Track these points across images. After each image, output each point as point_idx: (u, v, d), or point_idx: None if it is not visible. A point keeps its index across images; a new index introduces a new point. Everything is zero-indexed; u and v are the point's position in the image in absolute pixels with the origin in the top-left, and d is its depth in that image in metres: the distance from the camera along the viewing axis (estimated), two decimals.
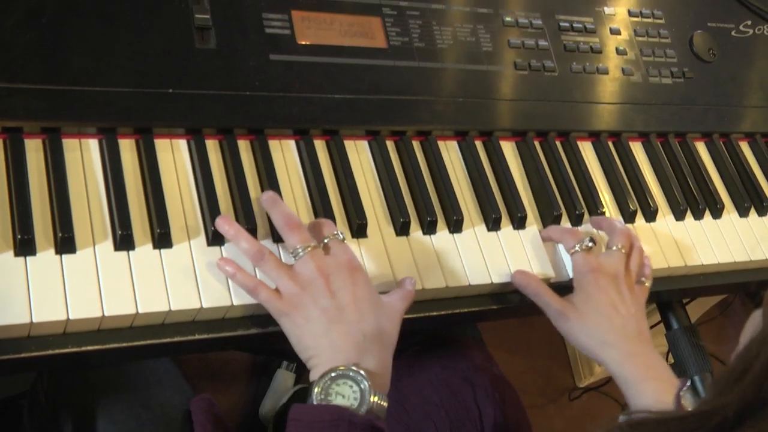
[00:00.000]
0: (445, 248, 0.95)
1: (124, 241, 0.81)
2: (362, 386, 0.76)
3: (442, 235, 0.96)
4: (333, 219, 0.90)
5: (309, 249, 0.82)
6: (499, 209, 1.00)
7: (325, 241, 0.84)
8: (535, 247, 1.00)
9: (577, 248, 0.97)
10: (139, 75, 0.88)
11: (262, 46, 0.96)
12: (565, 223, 1.04)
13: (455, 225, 0.97)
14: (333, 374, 0.76)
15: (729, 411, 0.44)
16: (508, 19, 1.13)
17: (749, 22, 1.34)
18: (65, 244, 0.78)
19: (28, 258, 0.77)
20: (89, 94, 0.85)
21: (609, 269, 0.95)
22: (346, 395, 0.76)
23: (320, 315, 0.79)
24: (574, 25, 1.17)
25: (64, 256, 0.78)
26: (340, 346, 0.79)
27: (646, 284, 0.99)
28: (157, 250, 0.82)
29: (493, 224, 0.99)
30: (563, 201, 1.05)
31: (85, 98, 0.85)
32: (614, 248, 0.97)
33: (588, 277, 0.95)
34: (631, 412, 0.91)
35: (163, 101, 0.89)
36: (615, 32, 1.20)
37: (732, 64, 1.28)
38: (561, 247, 1.01)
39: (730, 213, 1.16)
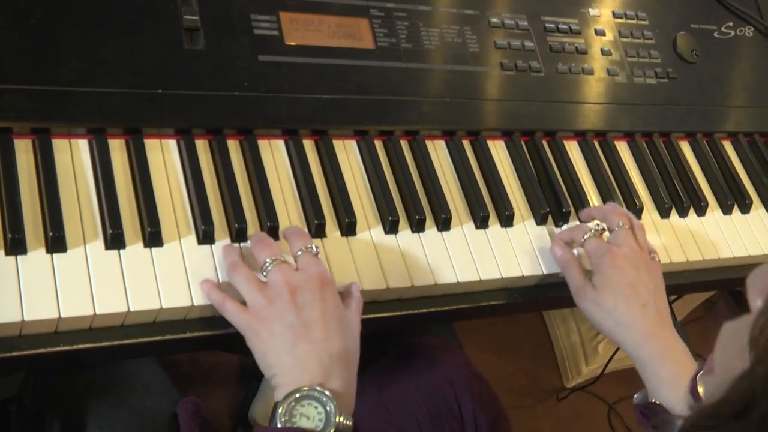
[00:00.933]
0: (434, 246, 0.96)
1: (114, 240, 0.81)
2: (328, 408, 0.74)
3: (431, 233, 0.97)
4: (322, 217, 0.91)
5: (277, 262, 0.81)
6: (486, 207, 1.01)
7: (298, 254, 0.83)
8: (523, 244, 1.01)
9: (589, 234, 0.98)
10: (128, 76, 0.89)
11: (250, 47, 0.97)
12: (552, 223, 1.05)
13: (444, 223, 0.98)
14: (297, 395, 0.75)
15: None
16: (494, 20, 1.14)
17: (731, 24, 1.36)
18: (56, 243, 0.79)
19: (19, 257, 0.77)
20: (79, 94, 0.86)
21: (623, 248, 0.96)
22: (310, 417, 0.74)
23: (285, 331, 0.78)
24: (560, 26, 1.18)
25: (55, 255, 0.79)
26: (306, 366, 0.77)
27: (657, 259, 1.00)
28: (147, 249, 0.83)
29: (481, 222, 1.00)
30: (550, 199, 1.06)
31: (74, 99, 0.86)
32: (617, 228, 0.98)
33: (605, 259, 0.95)
34: (644, 393, 0.92)
35: (152, 102, 0.89)
36: (600, 33, 1.21)
37: (714, 65, 1.30)
38: (544, 245, 1.02)
39: (714, 211, 1.18)
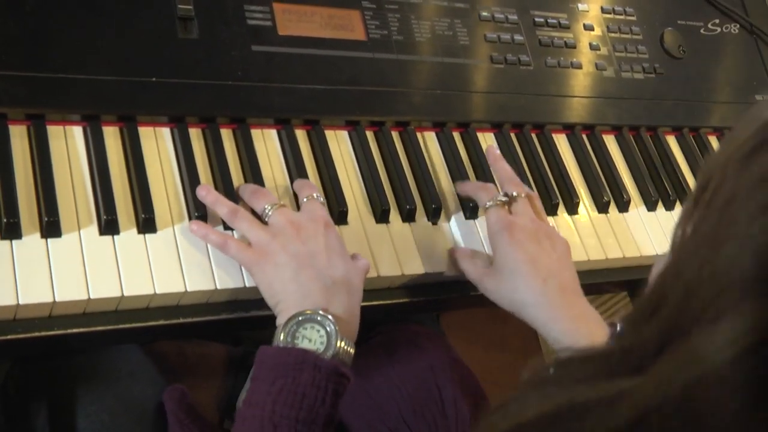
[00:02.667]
0: (424, 235, 0.97)
1: (109, 226, 0.82)
2: (328, 329, 0.76)
3: (421, 223, 0.98)
4: None
5: (277, 206, 0.83)
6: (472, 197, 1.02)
7: (304, 199, 0.86)
8: None
9: (490, 203, 0.94)
10: (122, 63, 0.89)
11: (244, 37, 0.97)
12: None
13: (434, 213, 0.99)
14: (300, 318, 0.77)
15: (649, 343, 0.44)
16: (484, 14, 1.15)
17: (717, 21, 1.38)
18: (51, 228, 0.79)
19: (14, 241, 0.78)
20: (73, 81, 0.86)
21: (523, 221, 0.92)
22: (312, 339, 0.76)
23: (290, 260, 0.80)
24: (549, 20, 1.20)
25: (49, 240, 0.79)
26: (308, 291, 0.79)
27: (552, 225, 0.98)
28: (141, 235, 0.83)
29: (470, 212, 1.01)
30: (539, 191, 1.07)
31: (69, 86, 0.86)
32: (515, 197, 0.95)
33: (502, 235, 0.91)
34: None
35: (146, 90, 0.90)
36: (588, 28, 1.23)
37: (701, 61, 1.32)
38: None
39: None
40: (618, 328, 0.87)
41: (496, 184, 1.03)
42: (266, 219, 0.84)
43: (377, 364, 1.07)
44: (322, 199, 0.88)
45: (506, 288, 0.90)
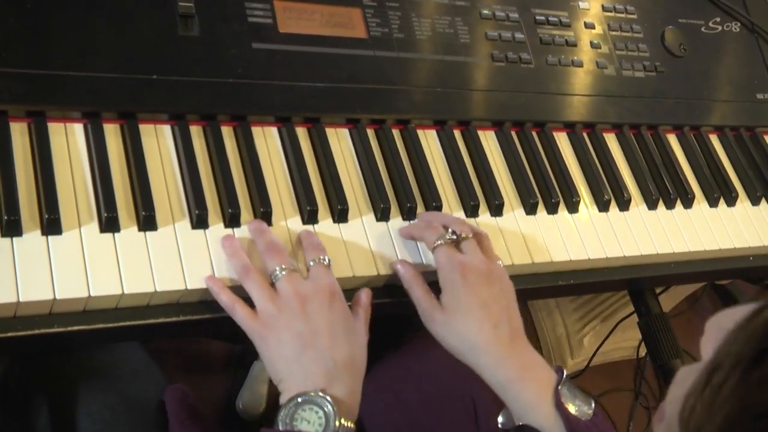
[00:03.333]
0: None
1: (109, 223, 0.82)
2: (326, 410, 0.75)
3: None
4: (315, 204, 0.92)
5: (286, 271, 0.82)
6: (477, 196, 1.02)
7: (310, 263, 0.85)
8: (512, 233, 1.02)
9: (440, 242, 0.91)
10: (123, 61, 0.89)
11: (244, 34, 0.97)
12: (541, 211, 1.07)
13: (435, 211, 0.99)
14: (299, 399, 0.76)
15: None
16: (485, 12, 1.15)
17: (718, 19, 1.37)
18: (51, 225, 0.79)
19: (14, 239, 0.78)
20: (74, 79, 0.86)
21: (474, 262, 0.90)
22: (311, 421, 0.75)
23: (293, 339, 0.79)
24: (550, 18, 1.19)
25: (50, 237, 0.79)
26: (310, 372, 0.78)
27: (501, 264, 0.95)
28: (142, 233, 0.83)
29: (471, 211, 1.01)
30: (539, 189, 1.07)
31: (70, 83, 0.86)
32: (462, 235, 0.92)
33: (455, 275, 0.89)
34: (509, 415, 0.89)
35: (147, 87, 0.90)
36: (589, 26, 1.22)
37: (702, 60, 1.32)
38: (533, 235, 1.03)
39: (700, 203, 1.19)
40: (564, 374, 0.88)
41: (497, 189, 1.03)
42: (275, 281, 0.82)
43: (408, 374, 1.07)
44: (327, 262, 0.86)
45: (457, 327, 0.88)
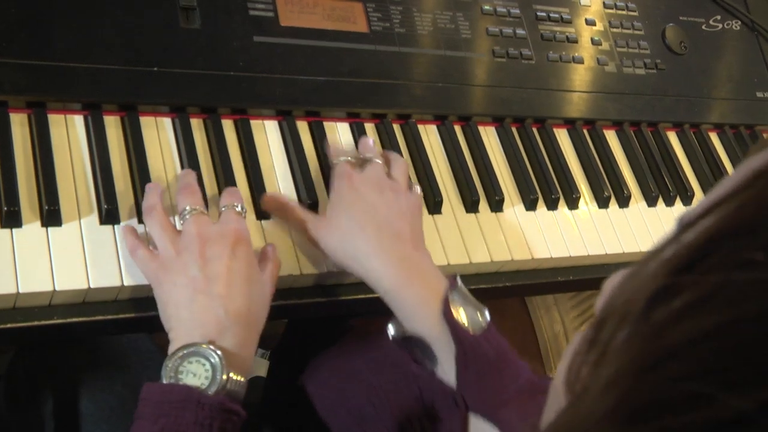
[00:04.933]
0: (426, 229, 0.97)
1: (109, 215, 0.82)
2: (213, 361, 0.71)
3: (423, 216, 0.98)
4: (315, 197, 0.91)
5: (195, 212, 0.79)
6: (477, 192, 1.02)
7: (222, 209, 0.82)
8: (512, 229, 1.02)
9: (342, 158, 0.90)
10: (124, 53, 0.89)
11: (246, 27, 0.97)
12: (541, 207, 1.06)
13: (435, 206, 0.99)
14: (185, 351, 0.72)
15: None
16: (486, 7, 1.15)
17: (719, 17, 1.37)
18: (51, 216, 0.79)
19: (14, 230, 0.78)
20: (75, 70, 0.86)
21: (368, 173, 0.88)
22: (197, 374, 0.71)
23: (187, 283, 0.75)
24: (551, 15, 1.19)
25: (49, 228, 0.79)
26: (200, 321, 0.74)
27: (418, 191, 0.92)
28: (142, 225, 0.83)
29: (471, 206, 1.01)
30: (539, 185, 1.07)
31: (70, 74, 0.86)
32: (369, 157, 0.91)
33: (341, 180, 0.87)
34: (399, 325, 0.83)
35: (148, 79, 0.89)
36: (590, 23, 1.22)
37: (702, 57, 1.32)
38: (533, 230, 1.03)
39: (700, 200, 1.19)
40: (458, 281, 0.81)
41: (498, 184, 1.03)
42: (181, 221, 0.80)
43: (352, 364, 1.03)
44: (239, 208, 0.82)
45: (341, 236, 0.84)
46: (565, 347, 2.00)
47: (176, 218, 0.83)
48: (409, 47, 1.07)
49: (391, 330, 0.84)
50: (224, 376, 0.71)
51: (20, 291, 0.75)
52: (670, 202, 1.16)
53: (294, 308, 0.89)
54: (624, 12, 1.27)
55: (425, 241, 0.91)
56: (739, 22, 1.39)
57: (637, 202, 1.14)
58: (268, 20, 0.99)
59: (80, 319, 0.79)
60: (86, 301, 0.79)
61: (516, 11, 1.17)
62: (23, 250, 0.77)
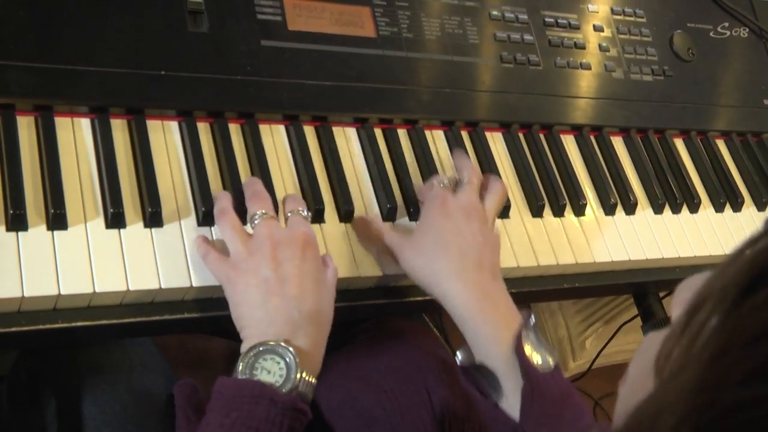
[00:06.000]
0: None
1: (115, 219, 0.82)
2: (288, 360, 0.73)
3: None
4: (321, 203, 0.91)
5: (266, 217, 0.82)
6: None
7: (288, 214, 0.84)
8: (518, 235, 1.02)
9: (434, 183, 0.93)
10: (131, 56, 0.89)
11: (253, 31, 0.97)
12: (548, 213, 1.06)
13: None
14: (261, 348, 0.74)
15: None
16: (494, 13, 1.14)
17: (726, 24, 1.37)
18: (57, 220, 0.79)
19: (20, 233, 0.78)
20: (82, 73, 0.86)
21: (460, 198, 0.90)
22: (271, 371, 0.73)
23: (260, 284, 0.77)
24: (559, 21, 1.19)
25: (55, 232, 0.79)
26: (274, 320, 0.76)
27: (497, 232, 0.94)
28: (148, 229, 0.83)
29: None
30: (546, 192, 1.07)
31: (78, 77, 0.86)
32: (465, 181, 0.93)
33: (434, 204, 0.89)
34: (468, 352, 0.86)
35: (155, 83, 0.89)
36: (598, 29, 1.22)
37: (710, 64, 1.31)
38: (539, 238, 1.02)
39: (706, 208, 1.19)
40: (531, 319, 0.84)
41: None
42: (252, 225, 0.82)
43: (362, 366, 1.05)
44: (305, 213, 0.85)
45: (425, 257, 0.87)
46: (569, 352, 1.99)
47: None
48: (416, 52, 1.06)
49: (459, 356, 0.87)
50: (298, 375, 0.73)
51: (25, 295, 0.75)
52: (676, 210, 1.16)
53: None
54: (632, 18, 1.27)
55: None
56: (747, 30, 1.38)
57: (644, 209, 1.14)
58: (275, 24, 0.98)
59: (84, 323, 0.79)
60: (91, 306, 0.79)
61: (524, 17, 1.17)
62: (28, 254, 0.77)
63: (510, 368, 0.82)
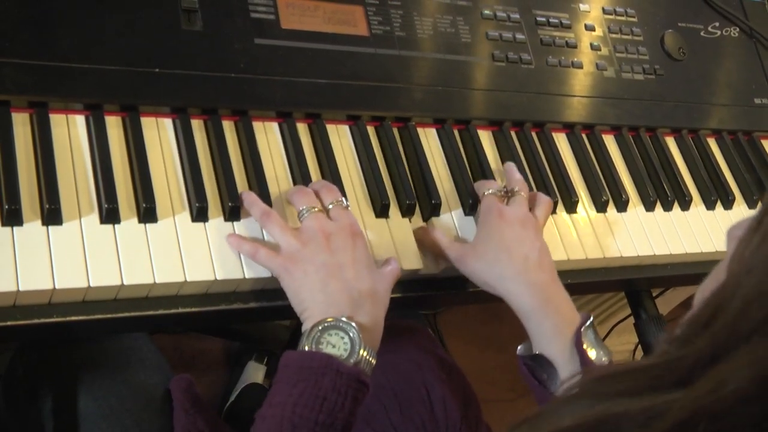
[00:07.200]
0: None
1: (110, 215, 0.82)
2: (352, 335, 0.78)
3: (420, 219, 0.99)
4: None
5: (314, 210, 0.85)
6: (476, 194, 1.02)
7: (329, 206, 0.87)
8: None
9: (490, 191, 0.98)
10: (126, 54, 0.90)
11: (247, 29, 0.98)
12: None
13: (433, 209, 0.99)
14: (325, 324, 0.78)
15: (702, 354, 0.46)
16: (486, 12, 1.15)
17: (717, 24, 1.38)
18: (52, 215, 0.80)
19: (15, 228, 0.78)
20: (77, 70, 0.87)
21: (514, 209, 0.96)
22: (336, 345, 0.78)
23: (318, 269, 0.82)
24: (551, 20, 1.20)
25: (50, 227, 0.80)
26: (335, 300, 0.81)
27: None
28: (142, 225, 0.84)
29: (470, 209, 1.01)
30: (538, 189, 1.08)
31: (72, 74, 0.87)
32: (516, 190, 0.99)
33: (491, 213, 0.95)
34: (527, 344, 0.93)
35: (149, 80, 0.90)
36: (590, 28, 1.23)
37: (701, 64, 1.32)
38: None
39: (697, 205, 1.20)
40: (590, 319, 0.91)
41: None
42: (301, 220, 0.86)
43: None
44: (346, 203, 0.89)
45: (489, 259, 0.92)
46: None
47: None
48: (409, 51, 1.07)
49: (520, 349, 0.94)
50: (362, 350, 0.78)
51: (20, 289, 0.75)
52: (668, 207, 1.17)
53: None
54: (623, 18, 1.28)
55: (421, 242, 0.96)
56: (738, 29, 1.39)
57: (635, 206, 1.15)
58: (269, 23, 0.99)
59: (79, 317, 0.80)
60: (86, 300, 0.80)
61: (516, 16, 1.18)
62: (24, 249, 0.77)
63: (568, 360, 0.88)
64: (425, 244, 0.97)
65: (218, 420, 0.95)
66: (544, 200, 1.01)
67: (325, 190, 0.89)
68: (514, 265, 0.92)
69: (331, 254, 0.83)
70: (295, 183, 0.94)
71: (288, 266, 0.82)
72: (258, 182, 0.91)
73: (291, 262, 0.83)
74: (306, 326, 0.80)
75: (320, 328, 0.78)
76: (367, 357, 0.79)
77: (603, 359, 0.89)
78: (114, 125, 0.88)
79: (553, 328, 0.90)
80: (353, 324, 0.78)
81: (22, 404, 0.98)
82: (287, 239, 0.84)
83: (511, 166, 1.05)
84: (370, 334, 0.81)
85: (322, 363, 0.76)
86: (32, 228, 0.79)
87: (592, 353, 0.89)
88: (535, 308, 0.91)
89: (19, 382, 0.98)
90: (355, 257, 0.84)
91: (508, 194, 0.99)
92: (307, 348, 0.78)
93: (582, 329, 0.89)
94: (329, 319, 0.79)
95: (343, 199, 0.89)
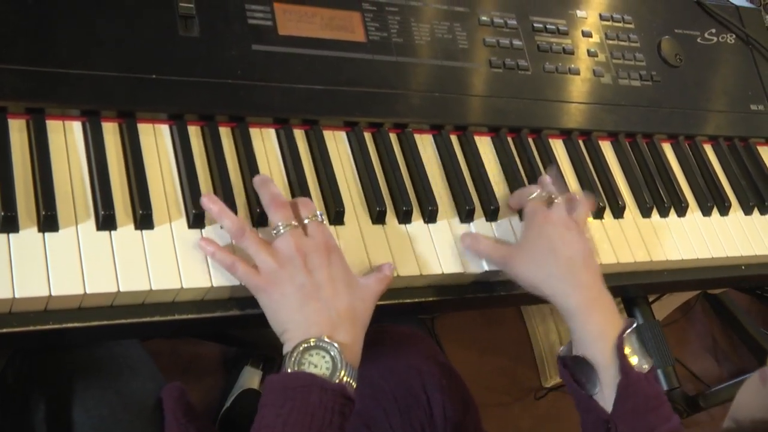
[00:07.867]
0: (420, 237, 0.98)
1: (106, 221, 0.82)
2: (333, 353, 0.79)
3: (417, 225, 0.99)
4: None
5: (290, 227, 0.84)
6: (472, 201, 1.02)
7: (305, 221, 0.87)
8: (507, 239, 1.03)
9: (534, 195, 1.00)
10: (123, 60, 0.90)
11: (244, 36, 0.98)
12: None
13: (430, 215, 0.99)
14: (305, 345, 0.79)
15: None
16: (483, 18, 1.16)
17: (713, 30, 1.38)
18: (48, 222, 0.79)
19: (11, 235, 0.78)
20: (74, 76, 0.87)
21: (559, 213, 0.98)
22: (318, 365, 0.78)
23: (296, 291, 0.82)
24: (548, 26, 1.20)
25: (46, 234, 0.79)
26: (314, 321, 0.81)
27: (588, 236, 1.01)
28: (138, 231, 0.84)
29: (466, 215, 1.02)
30: None
31: (69, 81, 0.86)
32: (553, 196, 1.01)
33: (537, 216, 0.97)
34: (570, 348, 0.95)
35: (146, 86, 0.90)
36: (587, 35, 1.23)
37: (697, 70, 1.33)
38: None
39: (694, 212, 1.20)
40: (634, 324, 0.92)
41: (493, 194, 1.03)
42: (276, 235, 0.85)
43: (364, 370, 1.07)
44: (322, 218, 0.89)
45: (537, 259, 0.95)
46: None
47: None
48: (406, 57, 1.07)
49: (562, 350, 0.97)
50: (343, 369, 0.79)
51: (16, 296, 0.75)
52: (664, 213, 1.17)
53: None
54: (620, 24, 1.28)
55: (420, 248, 0.96)
56: (734, 36, 1.40)
57: (632, 212, 1.15)
58: (266, 29, 0.99)
59: (76, 324, 0.79)
60: (82, 307, 0.80)
61: (513, 22, 1.18)
62: (20, 255, 0.77)
63: (609, 363, 0.90)
64: (470, 248, 0.98)
65: (211, 428, 0.95)
66: (583, 203, 1.02)
67: (302, 205, 0.88)
68: (561, 265, 0.94)
69: (308, 274, 0.82)
70: (292, 189, 0.94)
71: (267, 287, 0.82)
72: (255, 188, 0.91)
73: (269, 283, 0.82)
74: (287, 348, 0.81)
75: (301, 349, 0.79)
76: (348, 376, 0.79)
77: (644, 366, 0.90)
78: (111, 131, 0.88)
79: (597, 328, 0.91)
80: (334, 343, 0.79)
81: (14, 413, 0.97)
82: (264, 258, 0.83)
83: (553, 169, 1.08)
84: (351, 351, 0.82)
85: (306, 381, 0.77)
86: (28, 235, 0.79)
87: (633, 359, 0.90)
88: (581, 307, 0.92)
89: (11, 391, 0.98)
90: (332, 275, 0.84)
91: (550, 198, 1.01)
92: (289, 370, 0.78)
93: (625, 334, 0.91)
94: (311, 340, 0.79)
95: (319, 213, 0.88)
